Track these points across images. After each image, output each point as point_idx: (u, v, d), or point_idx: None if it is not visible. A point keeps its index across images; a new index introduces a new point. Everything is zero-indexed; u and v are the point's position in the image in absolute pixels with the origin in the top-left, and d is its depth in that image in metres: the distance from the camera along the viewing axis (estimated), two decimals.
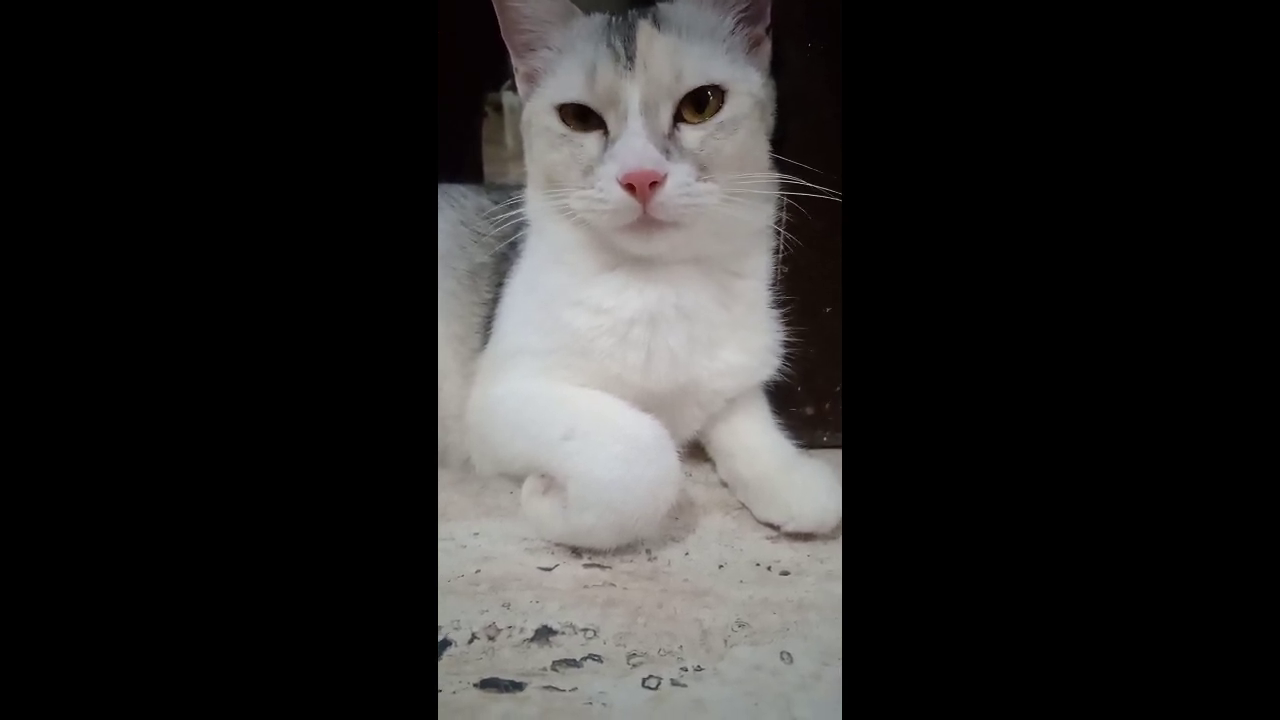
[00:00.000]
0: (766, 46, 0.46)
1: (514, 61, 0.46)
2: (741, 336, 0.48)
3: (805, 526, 0.46)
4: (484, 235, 0.48)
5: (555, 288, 0.44)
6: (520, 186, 0.51)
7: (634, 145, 0.39)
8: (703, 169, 0.41)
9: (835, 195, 0.40)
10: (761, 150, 0.46)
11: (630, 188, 0.39)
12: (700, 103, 0.42)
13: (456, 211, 0.54)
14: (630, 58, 0.40)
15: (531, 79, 0.44)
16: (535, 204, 0.47)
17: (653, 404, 0.44)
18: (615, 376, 0.44)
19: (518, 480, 0.46)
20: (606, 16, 0.44)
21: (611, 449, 0.42)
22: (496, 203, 0.52)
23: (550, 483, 0.43)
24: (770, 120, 0.47)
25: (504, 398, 0.45)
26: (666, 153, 0.40)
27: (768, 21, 0.44)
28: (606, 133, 0.41)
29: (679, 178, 0.39)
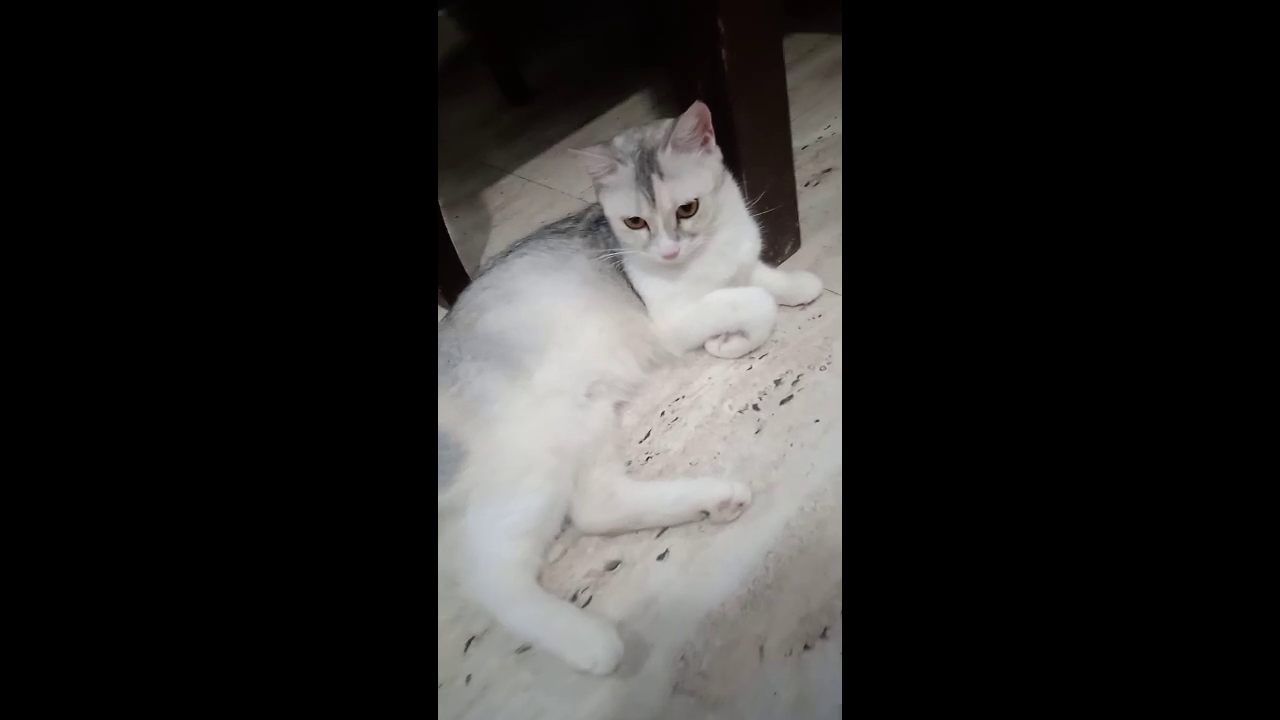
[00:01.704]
0: (712, 145, 0.81)
1: (593, 184, 0.86)
2: (748, 235, 0.97)
3: (813, 296, 1.00)
4: (603, 262, 0.92)
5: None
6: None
7: (663, 244, 0.80)
8: (693, 235, 0.81)
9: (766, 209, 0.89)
10: (729, 204, 0.86)
11: (665, 258, 0.81)
12: (688, 208, 0.80)
13: (580, 254, 0.94)
14: (653, 199, 0.79)
15: (601, 191, 0.84)
16: (623, 249, 0.90)
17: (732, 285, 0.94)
18: (716, 280, 0.93)
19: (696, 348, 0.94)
20: (633, 168, 0.79)
21: (758, 301, 0.92)
22: (591, 243, 0.94)
23: (726, 336, 0.93)
24: (725, 178, 0.84)
25: (682, 317, 0.92)
26: (677, 238, 0.80)
27: (711, 138, 0.81)
28: (649, 228, 0.81)
29: (683, 248, 0.81)
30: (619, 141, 0.83)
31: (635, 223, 0.82)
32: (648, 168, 0.80)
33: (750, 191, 0.92)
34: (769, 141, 0.94)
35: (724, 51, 0.83)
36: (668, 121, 0.81)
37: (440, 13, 2.20)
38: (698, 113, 0.78)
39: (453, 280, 1.16)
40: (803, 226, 1.07)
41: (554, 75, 1.94)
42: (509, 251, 0.95)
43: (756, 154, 0.92)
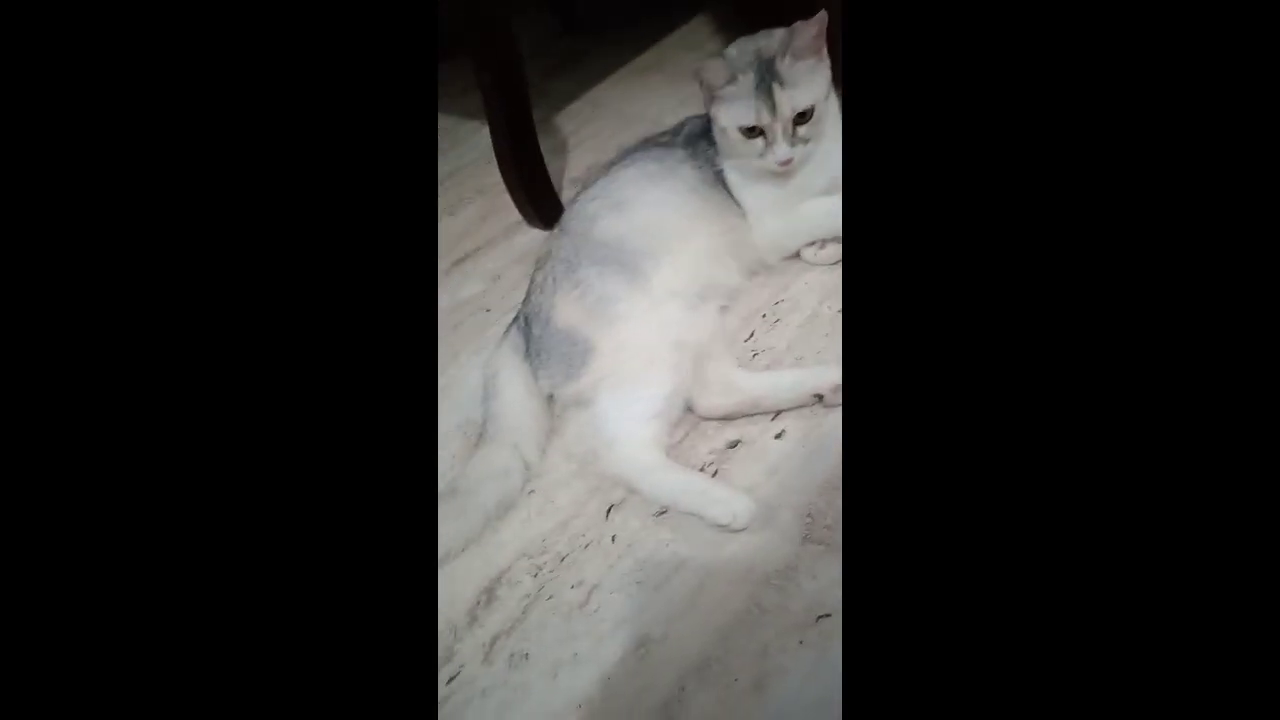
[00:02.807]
0: (825, 54, 0.85)
1: (705, 96, 0.89)
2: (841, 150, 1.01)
3: None
4: (706, 173, 0.97)
5: (768, 175, 0.95)
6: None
7: (780, 150, 0.85)
8: (806, 141, 0.86)
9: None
10: (830, 115, 0.89)
11: (781, 165, 0.86)
12: (803, 116, 0.85)
13: (684, 164, 1.00)
14: (773, 107, 0.83)
15: (716, 103, 0.87)
16: (727, 159, 0.95)
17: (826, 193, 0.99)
18: (812, 189, 0.98)
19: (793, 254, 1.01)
20: (754, 77, 0.83)
21: None
22: (692, 154, 0.99)
23: (822, 243, 0.99)
24: (832, 88, 0.88)
25: (781, 225, 0.98)
26: (791, 145, 0.85)
27: (826, 46, 0.84)
28: (765, 136, 0.86)
29: (797, 155, 0.86)
30: (733, 53, 0.88)
31: (752, 132, 0.87)
32: (768, 76, 0.84)
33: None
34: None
35: None
36: (780, 31, 0.86)
37: None
38: (820, 20, 0.82)
39: (545, 200, 1.22)
40: None
41: (607, 3, 1.94)
42: (613, 164, 1.00)
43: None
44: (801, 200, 0.96)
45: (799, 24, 0.82)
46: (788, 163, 0.87)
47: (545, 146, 1.47)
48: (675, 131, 1.02)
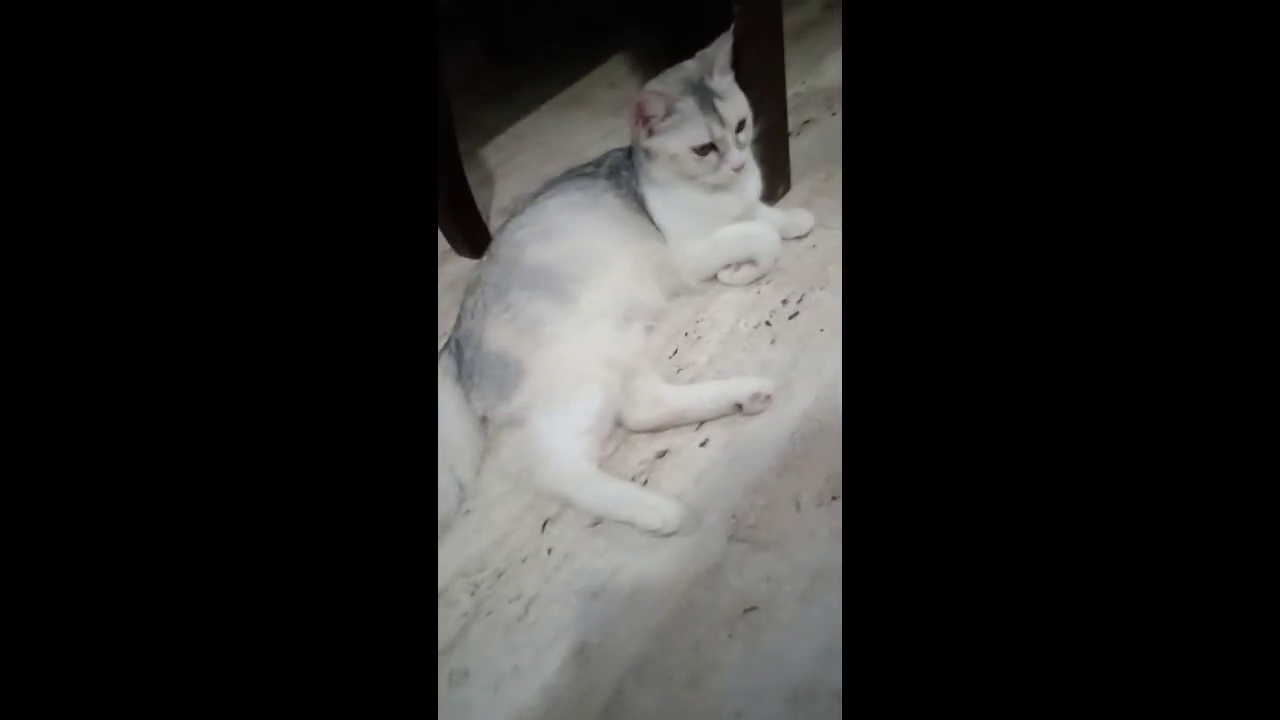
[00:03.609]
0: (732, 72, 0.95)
1: (641, 127, 0.94)
2: (753, 176, 1.09)
3: (808, 229, 1.14)
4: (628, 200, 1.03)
5: (689, 202, 1.02)
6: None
7: (734, 156, 0.92)
8: (744, 147, 0.94)
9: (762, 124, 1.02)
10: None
11: (735, 170, 0.94)
12: (741, 124, 0.93)
13: (608, 193, 1.05)
14: (720, 121, 0.90)
15: (658, 132, 0.93)
16: (658, 175, 1.01)
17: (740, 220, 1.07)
18: (728, 217, 1.05)
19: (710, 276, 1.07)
20: (694, 100, 0.90)
21: (765, 232, 1.03)
22: (615, 184, 1.05)
23: (737, 265, 1.06)
24: None
25: (699, 249, 1.03)
26: (740, 149, 0.94)
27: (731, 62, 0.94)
28: (717, 151, 0.92)
29: (745, 158, 0.95)
30: (658, 86, 0.94)
31: (705, 150, 0.93)
32: (707, 95, 0.92)
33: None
34: (769, 88, 1.06)
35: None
36: (691, 62, 0.93)
37: None
38: (730, 34, 0.91)
39: (473, 229, 1.25)
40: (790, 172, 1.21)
41: (537, 36, 2.00)
42: (539, 194, 1.05)
43: (757, 99, 1.04)
44: (719, 226, 1.03)
45: (717, 41, 0.90)
46: (741, 167, 0.95)
47: (473, 178, 1.50)
48: (598, 163, 1.08)
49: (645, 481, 0.84)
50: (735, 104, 0.94)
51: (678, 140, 0.94)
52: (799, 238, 1.11)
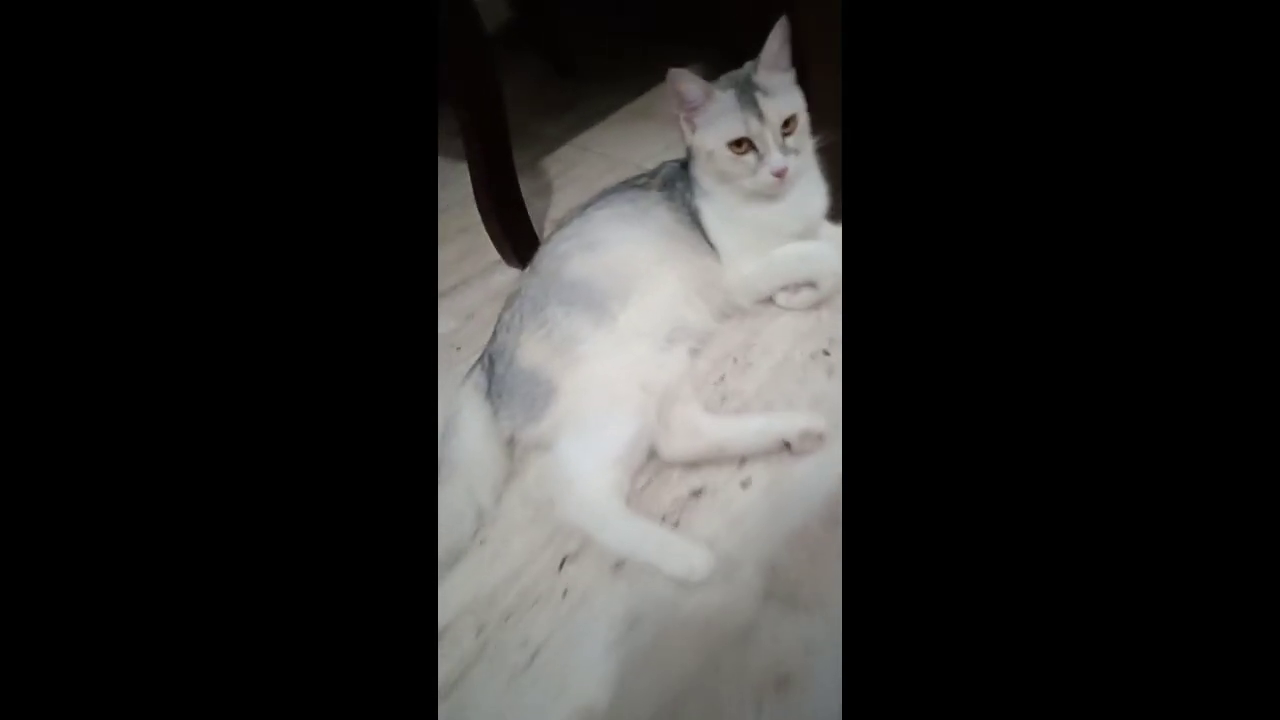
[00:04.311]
0: (793, 71, 0.87)
1: (682, 117, 0.88)
2: (818, 192, 1.01)
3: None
4: (681, 214, 0.96)
5: (747, 215, 0.94)
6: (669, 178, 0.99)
7: (775, 159, 0.84)
8: (796, 153, 0.86)
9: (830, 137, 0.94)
10: (807, 150, 0.90)
11: (776, 175, 0.86)
12: (789, 123, 0.85)
13: (660, 205, 0.99)
14: (760, 115, 0.83)
15: (695, 126, 0.88)
16: (707, 186, 0.95)
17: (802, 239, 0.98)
18: (787, 234, 0.97)
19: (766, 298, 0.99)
20: (734, 92, 0.84)
21: (827, 253, 0.94)
22: (668, 196, 0.99)
23: (796, 288, 0.97)
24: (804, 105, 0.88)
25: (754, 268, 0.96)
26: (784, 154, 0.85)
27: (791, 60, 0.86)
28: (756, 150, 0.85)
29: (791, 165, 0.85)
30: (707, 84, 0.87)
31: (740, 146, 0.86)
32: (749, 88, 0.85)
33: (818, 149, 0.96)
34: (835, 97, 0.97)
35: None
36: (747, 64, 0.86)
37: None
38: (783, 26, 0.84)
39: (523, 240, 1.21)
40: None
41: (601, 49, 1.98)
42: (588, 205, 0.99)
43: (824, 106, 0.96)
44: (777, 243, 0.94)
45: (771, 34, 0.84)
46: (783, 172, 0.85)
47: (530, 188, 1.48)
48: (652, 174, 1.02)
49: (676, 523, 0.76)
50: (782, 101, 0.85)
51: (713, 134, 0.87)
52: None
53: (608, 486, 0.76)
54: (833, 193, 0.99)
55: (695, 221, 0.95)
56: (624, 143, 1.53)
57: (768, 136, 0.85)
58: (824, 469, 0.76)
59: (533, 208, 1.41)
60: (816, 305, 0.97)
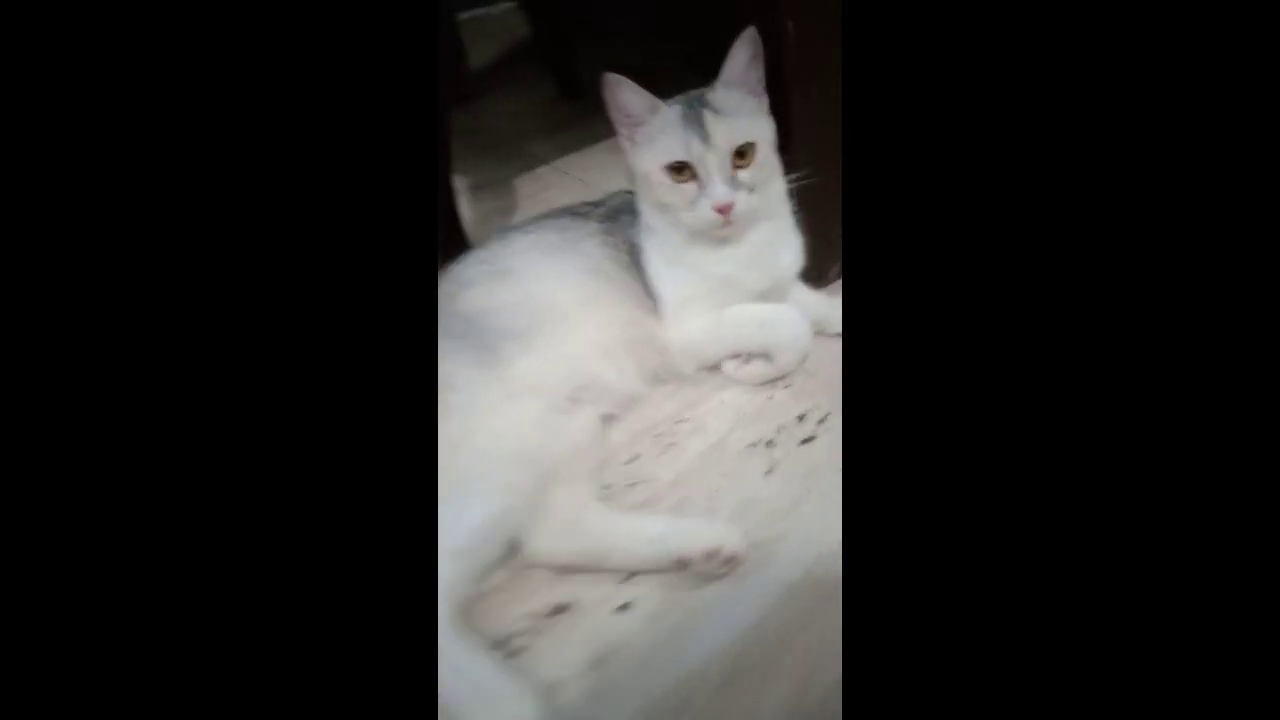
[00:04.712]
0: (765, 98, 0.72)
1: (622, 132, 0.73)
2: (789, 246, 0.83)
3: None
4: (619, 252, 0.80)
5: (695, 259, 0.77)
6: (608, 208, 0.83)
7: (717, 191, 0.68)
8: (750, 189, 0.69)
9: (809, 178, 0.77)
10: (775, 167, 0.74)
11: (718, 210, 0.69)
12: (743, 153, 0.69)
13: (594, 238, 0.82)
14: (705, 137, 0.67)
15: (635, 143, 0.74)
16: (650, 220, 0.78)
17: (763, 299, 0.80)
18: (745, 291, 0.79)
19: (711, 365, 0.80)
20: (680, 108, 0.69)
21: (790, 321, 0.77)
22: (608, 230, 0.82)
23: (748, 357, 0.79)
24: (775, 141, 0.72)
25: (699, 326, 0.78)
26: (732, 187, 0.68)
27: (763, 83, 0.71)
28: (697, 179, 0.69)
29: (740, 202, 0.68)
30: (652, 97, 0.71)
31: (681, 173, 0.70)
32: (698, 104, 0.70)
33: (795, 193, 0.79)
34: (826, 136, 0.80)
35: (789, 22, 0.71)
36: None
37: (508, 4, 2.19)
38: (751, 39, 0.68)
39: (452, 249, 1.05)
40: None
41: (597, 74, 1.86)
42: (515, 227, 0.83)
43: (810, 148, 0.79)
44: (731, 300, 0.77)
45: (732, 46, 0.68)
46: (727, 210, 0.69)
47: (494, 206, 1.35)
48: (598, 203, 0.86)
49: (521, 650, 0.56)
50: (736, 124, 0.69)
51: (650, 155, 0.71)
52: (840, 336, 0.83)
53: (443, 585, 0.57)
54: (813, 249, 0.82)
55: (635, 262, 0.78)
56: (606, 170, 1.38)
57: (710, 163, 0.69)
58: (730, 605, 0.57)
59: (491, 224, 1.27)
60: (772, 383, 0.78)
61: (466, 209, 1.25)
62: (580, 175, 1.41)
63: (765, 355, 0.77)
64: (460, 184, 1.28)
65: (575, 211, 0.85)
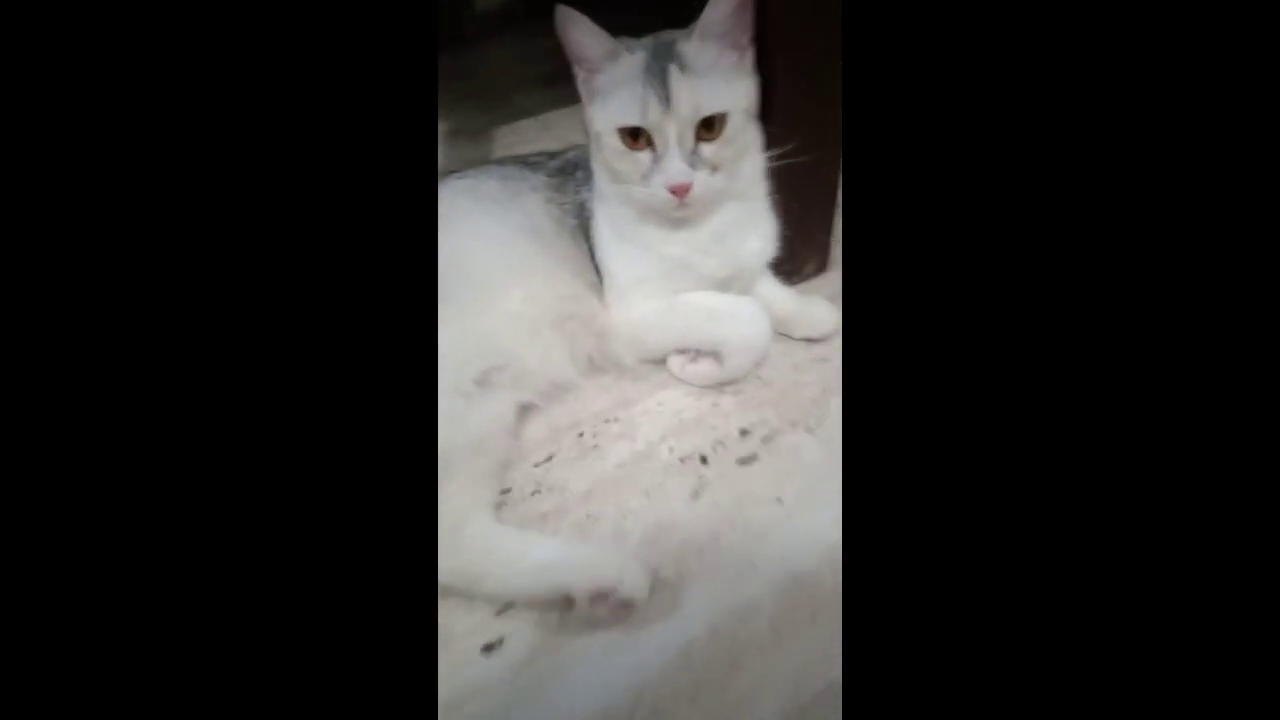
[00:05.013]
0: (750, 52, 0.60)
1: (578, 78, 0.63)
2: (759, 231, 0.71)
3: (825, 333, 0.73)
4: (565, 214, 0.68)
5: (647, 236, 0.65)
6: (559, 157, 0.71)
7: (672, 167, 0.57)
8: (714, 169, 0.58)
9: (803, 158, 0.64)
10: (752, 139, 0.63)
11: (673, 192, 0.57)
12: (710, 124, 0.57)
13: (538, 194, 0.70)
14: (667, 99, 0.56)
15: (591, 94, 0.62)
16: (602, 185, 0.66)
17: (723, 289, 0.69)
18: (703, 277, 0.67)
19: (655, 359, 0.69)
20: (644, 57, 0.58)
21: (746, 317, 0.65)
22: (558, 186, 0.70)
23: (696, 354, 0.68)
24: (756, 108, 0.61)
25: (646, 312, 0.67)
26: (692, 165, 0.57)
27: (751, 34, 0.59)
28: (654, 147, 0.58)
29: (699, 183, 0.57)
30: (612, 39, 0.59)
31: (636, 139, 0.58)
32: (663, 56, 0.57)
33: (775, 172, 0.67)
34: (819, 116, 0.68)
35: None
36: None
37: None
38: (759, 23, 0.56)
39: None
40: (834, 245, 0.82)
41: (616, 26, 1.72)
42: (458, 172, 0.72)
43: (793, 110, 0.66)
44: (686, 286, 0.66)
45: None
46: (682, 191, 0.57)
47: (469, 154, 1.24)
48: (555, 154, 0.74)
49: None
50: (706, 87, 0.57)
51: (604, 112, 0.59)
52: (809, 340, 0.72)
53: None
54: (790, 241, 0.71)
55: (583, 229, 0.67)
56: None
57: (670, 133, 0.57)
58: (614, 658, 0.47)
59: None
60: (719, 386, 0.68)
61: (440, 154, 1.14)
62: (562, 131, 1.29)
63: (715, 353, 0.66)
64: (439, 129, 1.18)
65: (528, 161, 0.74)
